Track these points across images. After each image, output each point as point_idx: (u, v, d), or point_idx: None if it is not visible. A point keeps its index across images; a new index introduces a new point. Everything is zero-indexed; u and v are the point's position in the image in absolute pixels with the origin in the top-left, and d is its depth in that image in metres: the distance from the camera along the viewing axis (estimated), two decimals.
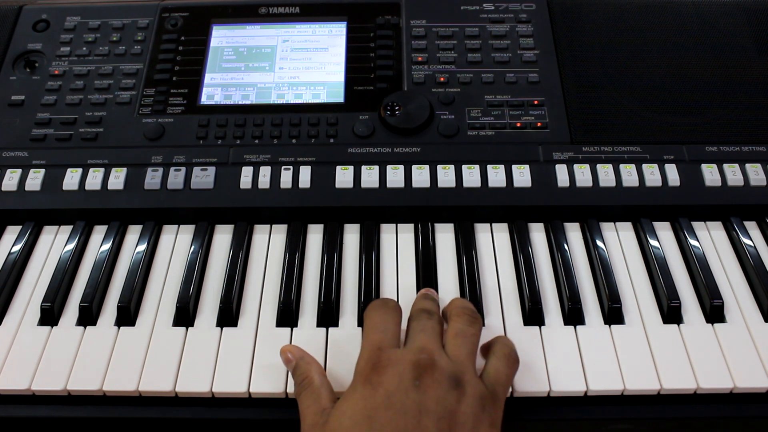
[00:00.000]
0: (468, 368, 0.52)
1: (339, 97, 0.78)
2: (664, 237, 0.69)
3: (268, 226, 0.71)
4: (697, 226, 0.70)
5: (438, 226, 0.71)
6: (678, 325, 0.62)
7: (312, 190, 0.70)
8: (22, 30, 0.84)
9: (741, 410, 0.58)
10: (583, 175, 0.71)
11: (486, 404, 0.51)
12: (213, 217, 0.71)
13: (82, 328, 0.62)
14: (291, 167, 0.72)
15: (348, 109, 0.76)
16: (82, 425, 0.59)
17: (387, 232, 0.70)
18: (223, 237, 0.70)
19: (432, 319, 0.57)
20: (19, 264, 0.68)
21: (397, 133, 0.74)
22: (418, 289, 0.65)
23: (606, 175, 0.71)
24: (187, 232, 0.71)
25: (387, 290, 0.65)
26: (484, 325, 0.62)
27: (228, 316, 0.63)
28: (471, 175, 0.71)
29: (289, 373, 0.58)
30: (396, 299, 0.64)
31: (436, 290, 0.64)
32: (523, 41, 0.81)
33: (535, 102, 0.76)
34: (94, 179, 0.71)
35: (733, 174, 0.71)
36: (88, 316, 0.63)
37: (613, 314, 0.62)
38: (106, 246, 0.68)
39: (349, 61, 0.80)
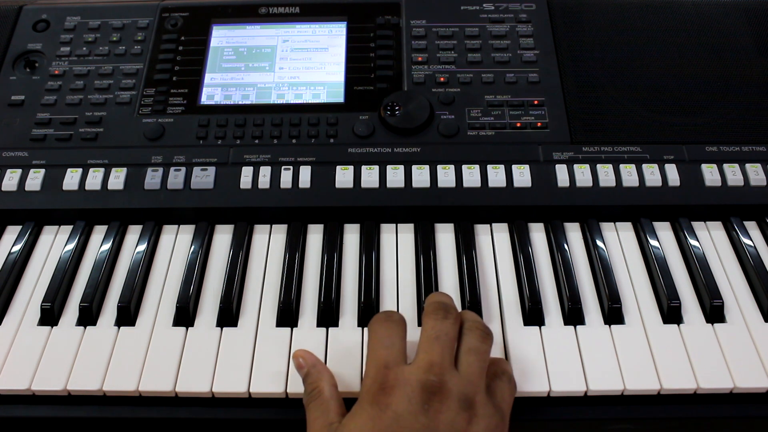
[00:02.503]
0: (479, 388, 0.51)
1: (339, 97, 0.78)
2: (664, 237, 0.69)
3: (268, 226, 0.71)
4: (697, 226, 0.70)
5: (438, 226, 0.71)
6: (678, 325, 0.62)
7: (312, 190, 0.70)
8: (22, 30, 0.84)
9: (741, 410, 0.58)
10: (583, 175, 0.71)
11: (497, 424, 0.50)
12: (213, 217, 0.71)
13: (82, 328, 0.62)
14: (291, 167, 0.72)
15: (348, 109, 0.76)
16: (82, 425, 0.59)
17: (387, 232, 0.70)
18: (223, 237, 0.70)
19: (448, 318, 0.54)
20: (19, 264, 0.68)
21: (397, 133, 0.74)
22: (418, 290, 0.65)
23: (606, 175, 0.71)
24: (187, 232, 0.71)
25: (387, 290, 0.65)
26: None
27: (228, 316, 0.63)
28: (471, 175, 0.71)
29: (293, 373, 0.58)
30: (396, 299, 0.64)
31: (437, 290, 0.64)
32: (523, 41, 0.81)
33: (535, 102, 0.76)
34: (94, 179, 0.71)
35: (733, 174, 0.71)
36: (88, 316, 0.63)
37: (613, 314, 0.62)
38: (106, 246, 0.68)
39: (349, 61, 0.80)
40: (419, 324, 0.62)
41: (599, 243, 0.68)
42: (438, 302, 0.56)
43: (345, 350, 0.60)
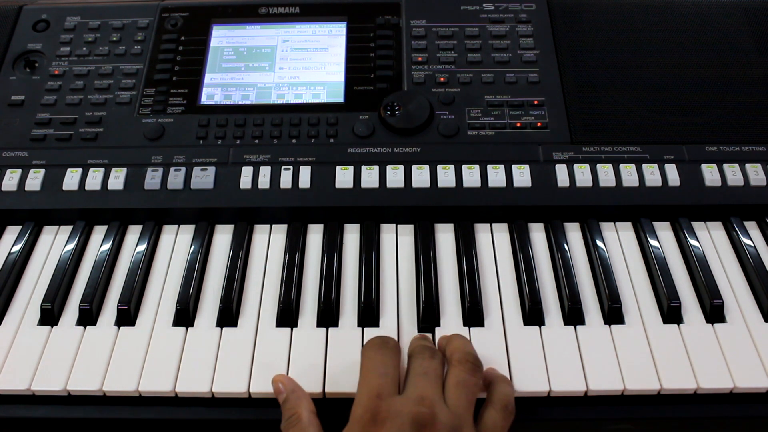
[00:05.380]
0: (467, 421, 0.52)
1: (339, 97, 0.78)
2: (664, 237, 0.69)
3: (268, 226, 0.71)
4: (697, 226, 0.70)
5: (438, 226, 0.71)
6: (678, 325, 0.62)
7: (312, 190, 0.70)
8: (22, 30, 0.84)
9: (741, 410, 0.58)
10: (583, 175, 0.71)
11: None
12: (213, 217, 0.71)
13: (82, 328, 0.62)
14: (291, 167, 0.72)
15: (348, 109, 0.76)
16: (82, 425, 0.59)
17: (387, 232, 0.70)
18: (223, 237, 0.70)
19: (435, 358, 0.55)
20: (19, 264, 0.68)
21: (397, 133, 0.74)
22: (418, 289, 0.65)
23: (606, 175, 0.71)
24: (187, 232, 0.71)
25: (387, 290, 0.65)
26: (483, 325, 0.62)
27: (228, 316, 0.63)
28: (471, 175, 0.71)
29: (293, 373, 0.58)
30: (396, 299, 0.64)
31: (437, 290, 0.64)
32: (523, 41, 0.81)
33: (535, 102, 0.76)
34: (94, 179, 0.71)
35: (733, 174, 0.71)
36: (88, 317, 0.63)
37: (613, 314, 0.62)
38: (106, 246, 0.68)
39: (349, 61, 0.80)
40: (419, 324, 0.62)
41: (599, 243, 0.68)
42: (422, 345, 0.57)
43: (345, 350, 0.60)
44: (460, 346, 0.57)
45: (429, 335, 0.61)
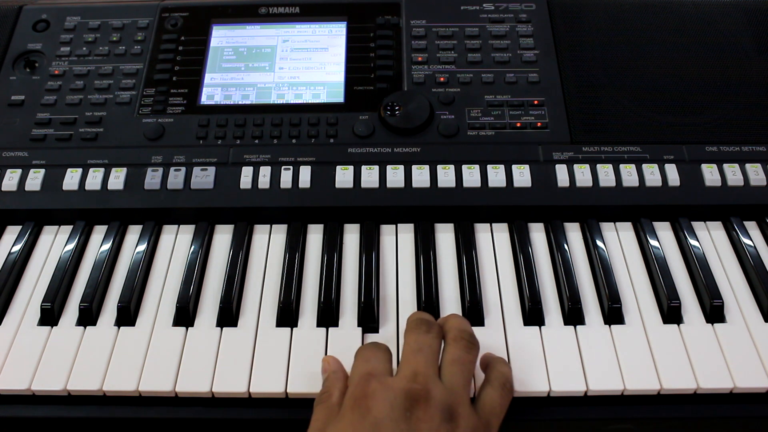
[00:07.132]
0: (463, 398, 0.51)
1: (339, 97, 0.78)
2: (664, 237, 0.69)
3: (268, 226, 0.71)
4: (697, 226, 0.70)
5: (438, 226, 0.71)
6: (678, 325, 0.62)
7: (312, 190, 0.70)
8: (22, 30, 0.84)
9: (741, 410, 0.58)
10: (583, 175, 0.71)
11: None
12: (213, 217, 0.71)
13: (82, 328, 0.62)
14: (291, 167, 0.72)
15: (348, 109, 0.76)
16: (82, 425, 0.59)
17: (387, 232, 0.70)
18: (223, 237, 0.70)
19: (430, 332, 0.55)
20: (19, 264, 0.68)
21: (397, 133, 0.74)
22: (418, 289, 0.65)
23: (606, 175, 0.71)
24: (187, 232, 0.71)
25: (387, 290, 0.65)
26: (483, 325, 0.62)
27: (228, 316, 0.63)
28: (471, 175, 0.71)
29: (293, 373, 0.58)
30: (396, 299, 0.64)
31: (437, 290, 0.64)
32: (523, 41, 0.81)
33: (535, 102, 0.76)
34: (94, 179, 0.71)
35: (733, 174, 0.71)
36: (88, 316, 0.63)
37: (613, 314, 0.62)
38: (106, 246, 0.68)
39: (349, 61, 0.80)
40: None
41: (599, 243, 0.68)
42: (419, 318, 0.56)
43: (345, 350, 0.60)
44: (456, 324, 0.56)
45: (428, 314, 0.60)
